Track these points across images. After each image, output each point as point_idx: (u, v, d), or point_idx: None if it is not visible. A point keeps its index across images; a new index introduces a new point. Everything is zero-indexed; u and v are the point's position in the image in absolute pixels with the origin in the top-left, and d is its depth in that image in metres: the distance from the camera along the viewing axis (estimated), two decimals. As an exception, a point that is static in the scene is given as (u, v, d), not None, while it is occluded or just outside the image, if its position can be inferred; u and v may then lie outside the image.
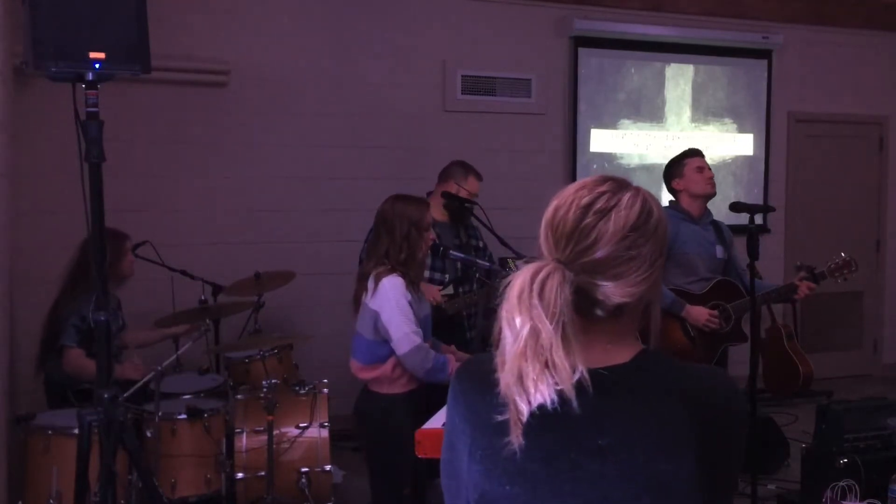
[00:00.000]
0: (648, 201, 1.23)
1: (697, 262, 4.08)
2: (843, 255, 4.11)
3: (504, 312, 1.14)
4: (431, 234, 3.24)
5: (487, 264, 3.86)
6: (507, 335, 1.13)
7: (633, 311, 1.23)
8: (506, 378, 1.12)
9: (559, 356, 1.10)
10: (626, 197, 1.21)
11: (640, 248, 1.19)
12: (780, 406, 5.96)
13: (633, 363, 1.21)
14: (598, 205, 1.20)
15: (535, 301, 1.11)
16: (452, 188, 4.31)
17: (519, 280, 1.14)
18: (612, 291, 1.18)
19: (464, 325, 4.17)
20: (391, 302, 3.04)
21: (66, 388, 3.93)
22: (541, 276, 1.13)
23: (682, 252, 4.05)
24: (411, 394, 3.14)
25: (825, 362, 6.67)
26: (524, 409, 1.11)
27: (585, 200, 1.20)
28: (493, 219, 4.29)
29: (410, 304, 3.07)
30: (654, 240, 1.21)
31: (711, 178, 4.15)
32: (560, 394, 1.10)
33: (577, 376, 1.11)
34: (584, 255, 1.18)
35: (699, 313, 3.98)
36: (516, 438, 1.14)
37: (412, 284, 3.12)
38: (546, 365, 1.10)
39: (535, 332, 1.10)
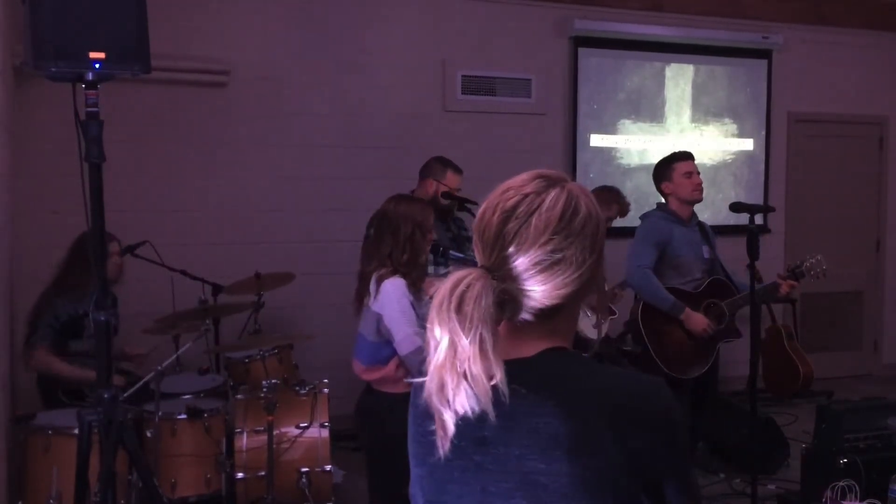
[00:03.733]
0: (575, 199, 1.20)
1: (690, 264, 4.16)
2: (817, 256, 4.23)
3: (428, 323, 1.13)
4: (433, 235, 3.25)
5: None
6: (431, 345, 1.13)
7: (567, 311, 1.22)
8: (429, 387, 1.13)
9: (476, 368, 1.09)
10: (550, 197, 1.18)
11: (564, 251, 1.17)
12: (780, 406, 5.96)
13: (533, 358, 1.20)
14: (521, 208, 1.18)
15: (453, 314, 1.10)
16: (432, 186, 4.31)
17: (441, 291, 1.13)
18: (538, 296, 1.17)
19: None
20: (393, 304, 3.04)
21: (55, 386, 3.95)
22: (460, 287, 1.12)
23: (676, 254, 4.12)
24: None
25: (825, 362, 6.68)
26: (448, 420, 1.13)
27: (510, 203, 1.18)
28: (493, 219, 4.28)
29: (412, 304, 3.07)
30: (580, 239, 1.18)
31: (700, 184, 4.19)
32: (478, 404, 1.10)
33: (493, 381, 1.10)
34: (507, 262, 1.17)
35: (698, 321, 4.06)
36: (442, 448, 1.15)
37: (414, 286, 3.13)
38: (464, 376, 1.10)
39: (452, 346, 1.10)
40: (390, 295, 3.05)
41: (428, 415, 1.17)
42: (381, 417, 3.17)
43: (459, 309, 1.11)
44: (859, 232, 7.18)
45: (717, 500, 4.38)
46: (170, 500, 3.62)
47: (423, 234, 3.13)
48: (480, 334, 1.10)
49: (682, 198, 4.17)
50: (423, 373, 1.20)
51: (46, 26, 2.47)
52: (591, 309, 4.91)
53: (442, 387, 1.11)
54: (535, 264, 1.16)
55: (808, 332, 6.75)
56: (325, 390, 4.00)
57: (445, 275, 3.92)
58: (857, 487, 3.17)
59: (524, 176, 1.23)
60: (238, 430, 3.85)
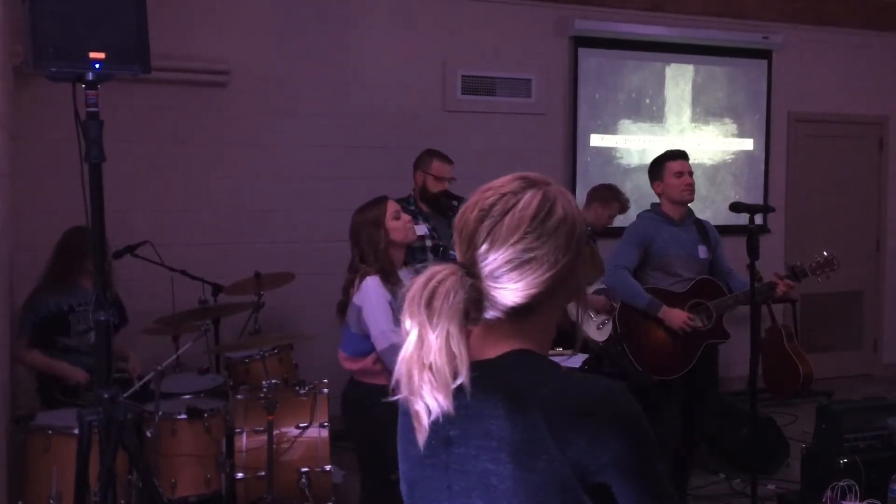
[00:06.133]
0: (550, 200, 1.21)
1: (678, 264, 4.05)
2: (825, 253, 4.10)
3: (401, 315, 1.17)
4: (405, 220, 3.31)
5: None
6: (403, 337, 1.17)
7: (541, 312, 1.22)
8: (398, 379, 1.17)
9: (441, 361, 1.13)
10: (525, 198, 1.21)
11: (536, 251, 1.18)
12: (780, 406, 5.95)
13: (494, 360, 1.22)
14: (497, 207, 1.21)
15: (423, 308, 1.14)
16: (420, 177, 4.38)
17: (414, 285, 1.17)
18: (509, 294, 1.19)
19: None
20: (371, 300, 3.16)
21: (51, 385, 3.97)
22: (433, 282, 1.15)
23: (661, 255, 4.02)
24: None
25: (825, 362, 6.68)
26: (420, 411, 1.16)
27: (487, 202, 1.22)
28: (493, 219, 4.28)
29: (390, 303, 3.17)
30: (553, 240, 1.20)
31: (691, 185, 4.09)
32: (440, 397, 1.14)
33: (458, 382, 1.13)
34: (480, 259, 1.19)
35: (676, 316, 3.93)
36: (420, 441, 1.19)
37: (389, 282, 3.20)
38: (430, 368, 1.13)
39: (420, 338, 1.14)
40: (368, 291, 3.18)
41: (408, 412, 1.21)
42: (363, 407, 3.25)
43: (430, 303, 1.14)
44: (859, 232, 7.18)
45: (717, 500, 4.37)
46: (170, 500, 3.62)
47: (377, 225, 3.25)
48: (447, 330, 1.13)
49: (672, 198, 4.09)
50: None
51: (46, 26, 2.47)
52: (594, 311, 4.91)
53: (409, 378, 1.15)
54: (507, 262, 1.18)
55: (808, 332, 6.75)
56: (325, 390, 4.00)
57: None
58: (857, 487, 3.16)
59: (507, 177, 1.26)
60: (238, 430, 3.85)
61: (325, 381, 4.08)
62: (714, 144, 6.62)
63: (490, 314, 1.20)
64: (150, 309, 4.58)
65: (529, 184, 1.23)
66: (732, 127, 6.70)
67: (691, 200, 4.14)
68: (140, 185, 5.11)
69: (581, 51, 6.19)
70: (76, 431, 2.80)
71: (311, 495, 3.78)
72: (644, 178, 6.53)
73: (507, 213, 1.19)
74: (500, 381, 1.19)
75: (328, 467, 3.85)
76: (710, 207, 6.37)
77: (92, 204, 2.61)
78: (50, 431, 3.44)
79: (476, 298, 1.18)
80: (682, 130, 6.55)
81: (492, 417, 1.17)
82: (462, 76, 5.90)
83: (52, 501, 3.30)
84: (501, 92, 6.01)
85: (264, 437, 3.73)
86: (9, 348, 3.78)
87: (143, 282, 4.68)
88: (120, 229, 4.17)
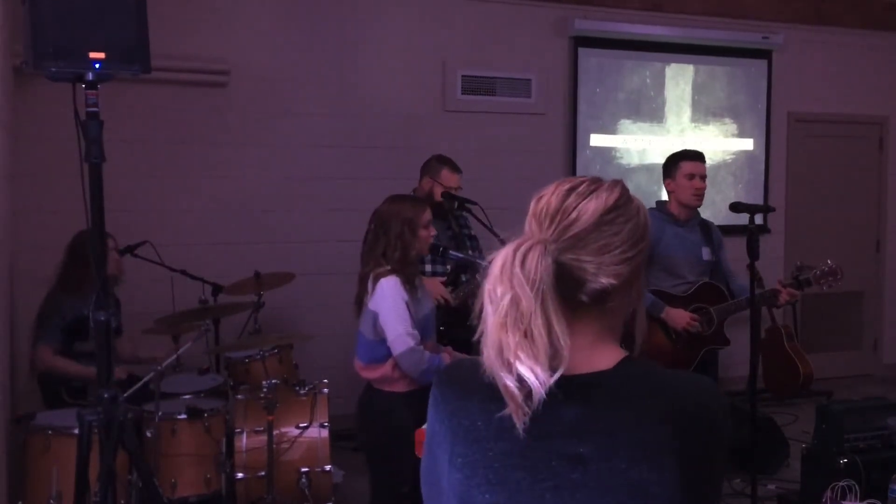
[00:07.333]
0: (628, 191, 1.27)
1: (682, 265, 4.04)
2: (829, 262, 4.08)
3: (487, 287, 1.14)
4: (431, 232, 3.24)
5: (486, 263, 3.86)
6: (489, 308, 1.13)
7: (617, 302, 1.22)
8: (487, 352, 1.12)
9: (537, 326, 1.09)
10: (607, 184, 1.25)
11: (622, 226, 1.20)
12: (780, 406, 5.96)
13: (616, 369, 1.20)
14: (581, 188, 1.23)
15: (517, 270, 1.11)
16: (428, 184, 4.33)
17: (502, 253, 1.15)
18: (595, 269, 1.17)
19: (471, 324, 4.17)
20: (388, 303, 3.07)
21: (58, 386, 3.95)
22: (523, 248, 1.14)
23: (666, 254, 4.01)
24: (412, 394, 3.15)
25: (825, 362, 6.68)
26: (511, 385, 1.10)
27: (567, 187, 1.24)
28: (493, 219, 4.29)
29: (407, 305, 3.10)
30: (635, 221, 1.23)
31: (701, 189, 4.06)
32: (538, 369, 1.08)
33: (557, 374, 1.09)
34: (566, 232, 1.18)
35: (679, 316, 3.94)
36: (521, 424, 1.11)
37: (409, 283, 3.13)
38: (525, 335, 1.09)
39: (515, 301, 1.10)
40: (385, 294, 3.08)
41: (491, 434, 1.16)
42: (381, 416, 3.19)
43: (524, 265, 1.12)
44: (859, 232, 7.18)
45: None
46: (170, 500, 3.62)
47: (412, 230, 3.14)
48: (544, 290, 1.10)
49: (681, 200, 4.08)
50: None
51: (46, 26, 2.47)
52: None
53: (500, 348, 1.10)
54: (594, 233, 1.19)
55: (808, 332, 6.75)
56: (325, 390, 4.00)
57: (443, 274, 3.88)
58: (857, 487, 3.16)
59: (568, 178, 1.29)
60: (238, 430, 3.85)
61: (325, 381, 4.08)
62: (714, 144, 6.62)
63: (575, 295, 1.18)
64: (150, 309, 4.58)
65: (601, 179, 1.27)
66: (732, 127, 6.70)
67: (699, 206, 4.13)
68: (140, 185, 5.11)
69: (581, 51, 6.19)
70: (76, 431, 2.81)
71: (311, 495, 3.78)
72: (644, 178, 6.56)
73: (592, 192, 1.22)
74: (635, 388, 1.18)
75: (328, 467, 3.85)
76: (710, 207, 6.35)
77: (92, 204, 2.61)
78: (50, 431, 3.45)
79: (561, 271, 1.16)
80: (683, 130, 6.55)
81: (647, 426, 1.14)
82: (462, 76, 5.89)
83: (52, 501, 3.30)
84: (501, 92, 6.01)
85: (264, 437, 3.73)
86: (9, 348, 3.77)
87: (142, 282, 4.68)
88: (120, 229, 4.17)
